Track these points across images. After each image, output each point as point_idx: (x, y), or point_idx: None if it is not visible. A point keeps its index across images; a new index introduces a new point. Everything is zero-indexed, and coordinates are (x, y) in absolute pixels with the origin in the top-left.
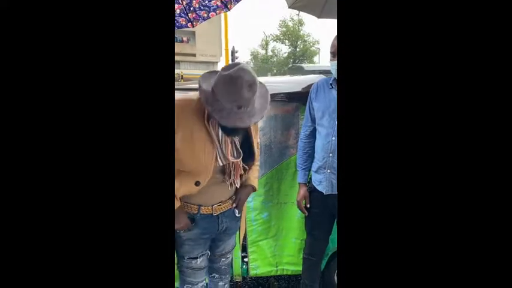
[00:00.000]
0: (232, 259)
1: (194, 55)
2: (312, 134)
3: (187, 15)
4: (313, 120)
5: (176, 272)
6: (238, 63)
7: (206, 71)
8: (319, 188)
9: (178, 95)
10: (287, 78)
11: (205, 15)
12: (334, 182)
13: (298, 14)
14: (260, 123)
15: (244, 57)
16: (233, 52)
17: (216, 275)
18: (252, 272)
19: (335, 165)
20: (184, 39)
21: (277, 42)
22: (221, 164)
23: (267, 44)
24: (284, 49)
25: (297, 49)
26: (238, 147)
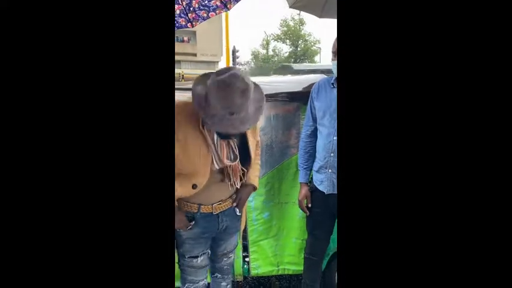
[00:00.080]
0: (234, 259)
1: (195, 55)
2: (313, 134)
3: (187, 16)
4: (315, 120)
5: (178, 270)
6: (232, 68)
7: (201, 74)
8: (320, 187)
9: (177, 96)
10: (288, 77)
11: (205, 15)
12: (336, 181)
13: (299, 14)
14: (261, 123)
15: (245, 57)
16: (234, 52)
17: (219, 275)
18: (253, 272)
19: (336, 164)
20: (185, 38)
21: (278, 41)
22: (217, 168)
23: (267, 43)
24: (285, 49)
25: (298, 48)
26: (235, 150)
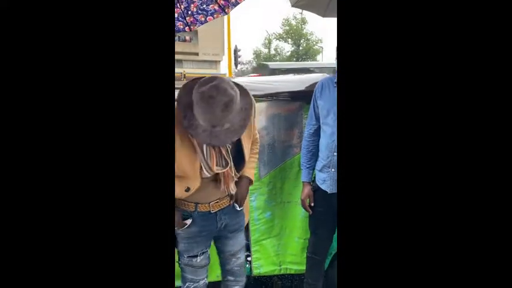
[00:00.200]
0: (244, 260)
1: (197, 54)
2: (316, 133)
3: (185, 19)
4: (318, 119)
5: (178, 269)
6: (214, 79)
7: (185, 82)
8: (323, 186)
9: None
10: (290, 77)
11: (203, 19)
12: None
13: (301, 13)
14: (263, 122)
15: (247, 56)
16: (236, 51)
17: (231, 278)
18: (255, 271)
19: None
20: (187, 38)
21: (280, 40)
22: (208, 175)
23: (269, 42)
24: (287, 48)
25: (300, 48)
26: (227, 156)
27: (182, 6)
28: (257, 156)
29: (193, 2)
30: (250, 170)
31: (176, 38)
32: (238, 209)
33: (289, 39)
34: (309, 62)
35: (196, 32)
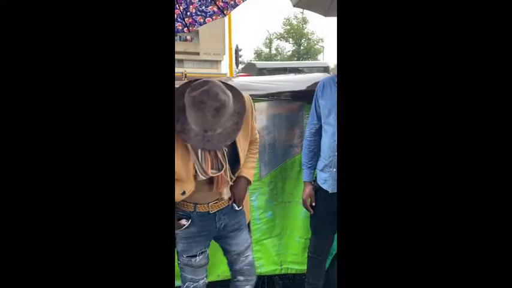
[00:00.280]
0: (253, 258)
1: (198, 54)
2: (318, 132)
3: (184, 20)
4: (319, 118)
5: (178, 269)
6: (206, 83)
7: (179, 85)
8: (324, 186)
9: None
10: (292, 76)
11: (202, 20)
12: None
13: (302, 12)
14: (264, 122)
15: (248, 56)
16: (237, 50)
17: (241, 278)
18: (256, 271)
19: None
20: (188, 37)
21: (281, 40)
22: (203, 178)
23: (270, 42)
24: (288, 47)
25: (301, 47)
26: (222, 159)
27: (181, 8)
28: (257, 156)
29: (192, 4)
30: (249, 170)
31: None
32: (237, 209)
33: (290, 39)
34: (298, 62)
35: (197, 32)
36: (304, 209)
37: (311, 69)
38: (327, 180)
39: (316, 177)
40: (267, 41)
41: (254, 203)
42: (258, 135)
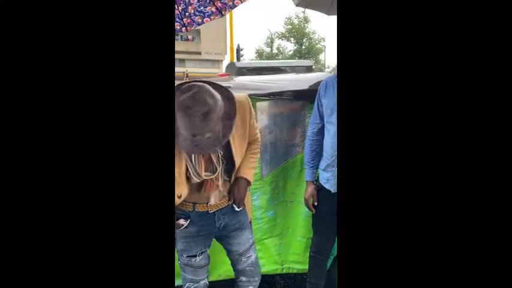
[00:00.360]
0: (256, 258)
1: (199, 53)
2: (320, 132)
3: (182, 20)
4: (322, 118)
5: (179, 268)
6: (193, 87)
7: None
8: (326, 186)
9: None
10: (293, 76)
11: (200, 20)
12: None
13: (303, 12)
14: (265, 121)
15: (249, 55)
16: (238, 50)
17: (244, 278)
18: None
19: None
20: (190, 37)
21: (282, 39)
22: (197, 181)
23: (272, 41)
24: (290, 47)
25: (303, 47)
26: (216, 161)
27: (180, 8)
28: (258, 156)
29: (191, 4)
30: (249, 170)
31: (178, 37)
32: (237, 209)
33: (292, 38)
34: (280, 61)
35: (198, 32)
36: (306, 209)
37: (293, 69)
38: (329, 180)
39: (318, 176)
40: (269, 40)
41: (255, 202)
42: (259, 135)
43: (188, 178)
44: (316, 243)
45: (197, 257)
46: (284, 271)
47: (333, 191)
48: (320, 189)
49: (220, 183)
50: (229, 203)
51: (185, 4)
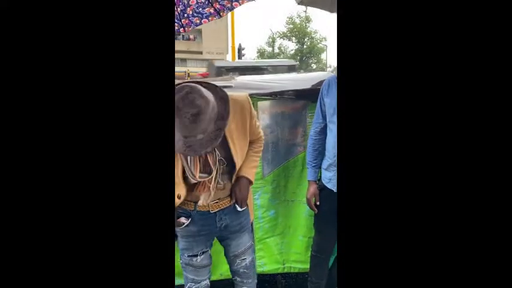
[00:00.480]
0: (251, 261)
1: (201, 53)
2: (323, 131)
3: (180, 21)
4: (324, 117)
5: (180, 268)
6: (185, 88)
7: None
8: (328, 185)
9: None
10: (295, 75)
11: (198, 21)
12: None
13: (305, 11)
14: (267, 121)
15: (250, 55)
16: (240, 49)
17: (238, 279)
18: (258, 270)
19: None
20: (191, 37)
21: (284, 39)
22: (193, 182)
23: (273, 41)
24: (291, 46)
25: (304, 46)
26: (213, 163)
27: (179, 9)
28: (260, 155)
29: (189, 6)
30: (251, 169)
31: (180, 37)
32: (239, 209)
33: (293, 38)
34: (261, 60)
35: (200, 31)
36: (307, 208)
37: (275, 68)
38: (332, 180)
39: (320, 176)
40: (270, 39)
41: (257, 201)
42: (262, 134)
43: (186, 178)
44: (317, 242)
45: (198, 257)
46: (285, 270)
47: (335, 190)
48: (322, 189)
49: (212, 186)
50: (232, 203)
51: (184, 5)
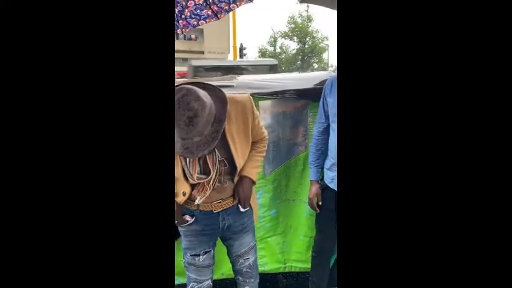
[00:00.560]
0: (254, 261)
1: (202, 52)
2: (326, 131)
3: (178, 22)
4: (327, 117)
5: (182, 267)
6: (181, 90)
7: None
8: (331, 185)
9: None
10: (296, 75)
11: (195, 23)
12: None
13: (307, 10)
14: (268, 120)
15: (252, 54)
16: (241, 49)
17: (240, 278)
18: (259, 269)
19: None
20: (193, 36)
21: (285, 38)
22: (193, 182)
23: (275, 40)
24: (292, 46)
25: (306, 46)
26: (211, 164)
27: (176, 10)
28: (263, 154)
29: (187, 7)
30: (253, 169)
31: (182, 36)
32: (242, 210)
33: (295, 37)
34: (240, 60)
35: (201, 31)
36: (308, 207)
37: (256, 68)
38: (334, 179)
39: (323, 176)
40: (272, 39)
41: (258, 201)
42: (266, 133)
43: (187, 178)
44: (318, 242)
45: (200, 256)
46: (286, 270)
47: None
48: (324, 189)
49: (209, 187)
50: (235, 203)
51: (182, 7)
